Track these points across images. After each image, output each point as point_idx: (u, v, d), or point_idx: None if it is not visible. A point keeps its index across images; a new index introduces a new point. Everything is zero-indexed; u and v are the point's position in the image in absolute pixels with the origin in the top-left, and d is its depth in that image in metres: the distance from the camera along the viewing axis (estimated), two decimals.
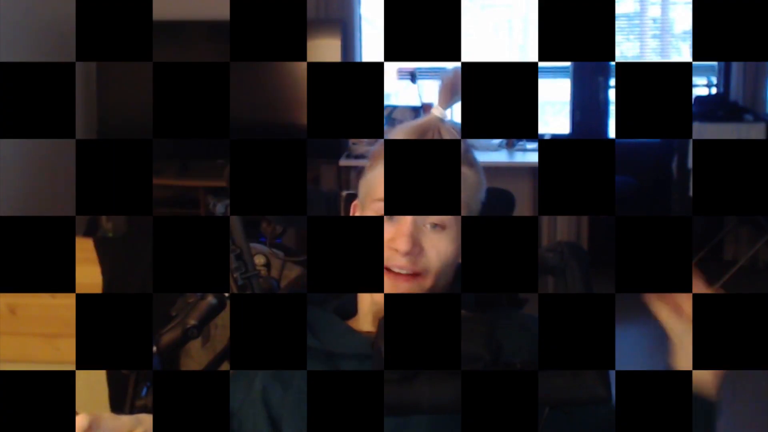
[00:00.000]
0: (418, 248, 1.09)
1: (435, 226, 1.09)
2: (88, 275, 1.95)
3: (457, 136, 1.11)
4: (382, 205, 1.08)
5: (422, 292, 1.09)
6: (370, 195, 1.13)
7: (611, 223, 0.95)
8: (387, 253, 1.08)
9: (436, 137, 1.10)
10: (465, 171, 1.11)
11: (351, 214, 1.20)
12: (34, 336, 2.02)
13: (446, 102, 1.13)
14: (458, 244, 1.10)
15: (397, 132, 1.14)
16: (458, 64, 1.04)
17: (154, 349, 1.17)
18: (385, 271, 1.08)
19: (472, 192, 1.13)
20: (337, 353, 1.12)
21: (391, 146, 1.05)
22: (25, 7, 3.84)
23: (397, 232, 1.08)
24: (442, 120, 1.12)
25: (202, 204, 4.10)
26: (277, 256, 1.39)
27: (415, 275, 1.09)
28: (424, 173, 1.02)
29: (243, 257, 1.23)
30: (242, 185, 1.05)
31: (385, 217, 1.09)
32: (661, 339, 1.03)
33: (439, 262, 1.10)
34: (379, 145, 1.13)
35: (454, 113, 1.12)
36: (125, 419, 0.95)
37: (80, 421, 0.90)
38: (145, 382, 1.21)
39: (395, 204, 1.03)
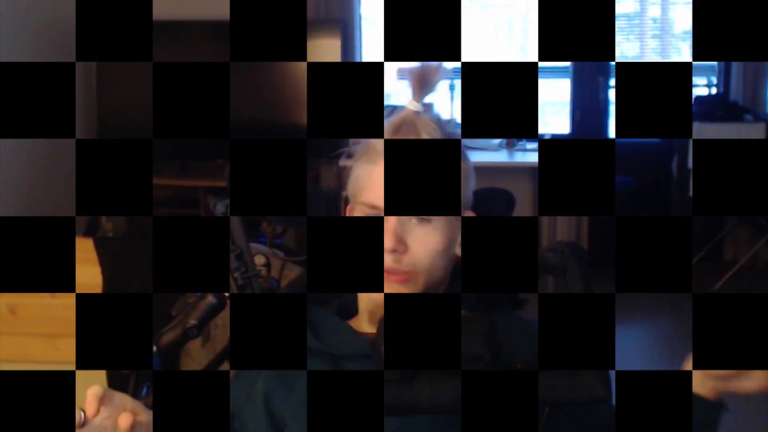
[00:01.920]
0: (403, 246, 1.08)
1: (421, 219, 1.09)
2: (88, 275, 1.94)
3: (436, 129, 1.10)
4: (366, 209, 1.09)
5: (417, 291, 1.09)
6: (356, 198, 1.13)
7: (611, 223, 0.95)
8: None
9: (411, 131, 1.10)
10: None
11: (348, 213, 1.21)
12: (34, 336, 2.02)
13: (419, 94, 1.13)
14: (447, 236, 1.10)
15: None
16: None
17: (154, 349, 1.17)
18: None
19: (469, 180, 1.14)
20: (339, 354, 1.12)
21: (389, 146, 1.05)
22: (25, 7, 3.84)
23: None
24: (417, 113, 1.12)
25: (202, 204, 4.10)
26: (277, 256, 1.39)
27: (404, 275, 1.08)
28: (421, 173, 1.03)
29: (243, 257, 1.23)
30: (242, 185, 1.05)
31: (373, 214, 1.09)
32: (662, 339, 1.03)
33: (428, 258, 1.09)
34: (362, 145, 1.14)
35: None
36: (135, 401, 0.96)
37: (96, 391, 0.91)
38: (145, 382, 1.21)
39: (393, 205, 1.03)
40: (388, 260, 1.07)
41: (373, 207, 1.10)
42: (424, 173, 1.03)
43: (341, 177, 4.24)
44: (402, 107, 1.15)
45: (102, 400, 0.91)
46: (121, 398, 0.94)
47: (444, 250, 1.10)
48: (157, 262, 1.01)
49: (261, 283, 1.28)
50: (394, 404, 0.83)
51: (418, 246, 1.09)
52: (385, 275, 1.07)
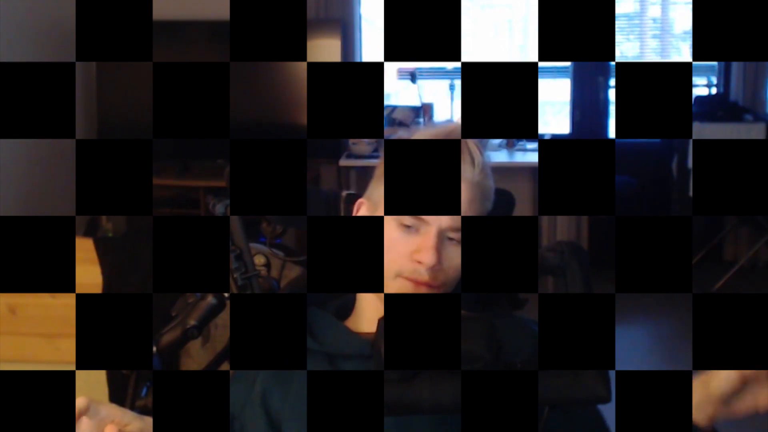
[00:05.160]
0: (440, 264, 1.08)
1: (451, 239, 1.09)
2: (88, 275, 1.94)
3: (480, 146, 1.12)
4: (400, 217, 1.09)
5: None
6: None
7: (611, 223, 0.95)
8: (410, 265, 1.08)
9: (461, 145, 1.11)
10: (486, 182, 1.12)
11: (355, 212, 1.20)
12: (34, 336, 2.02)
13: None
14: None
15: (419, 134, 1.14)
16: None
17: (154, 349, 1.17)
18: (405, 281, 1.08)
19: (490, 201, 1.14)
20: (337, 354, 1.12)
21: (397, 147, 1.05)
22: (25, 7, 3.84)
23: (423, 244, 1.08)
24: None
25: (202, 204, 4.10)
26: (277, 256, 1.39)
27: (431, 288, 1.09)
28: (428, 174, 1.03)
29: (243, 257, 1.23)
30: (242, 185, 1.05)
31: (407, 227, 1.09)
32: (662, 339, 1.03)
33: (454, 277, 1.10)
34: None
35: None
36: (125, 411, 0.95)
37: (79, 402, 0.90)
38: (145, 382, 1.21)
39: (396, 204, 1.03)
40: (426, 275, 1.08)
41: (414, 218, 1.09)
42: (425, 173, 1.03)
43: (341, 177, 4.24)
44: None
45: (85, 412, 0.90)
46: (110, 410, 0.93)
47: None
48: (157, 262, 1.01)
49: (261, 283, 1.28)
50: (394, 404, 0.83)
51: (449, 265, 1.09)
52: (416, 285, 1.08)
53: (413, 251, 1.08)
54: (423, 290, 1.09)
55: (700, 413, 0.95)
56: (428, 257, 1.07)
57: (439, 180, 1.03)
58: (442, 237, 1.08)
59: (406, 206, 1.04)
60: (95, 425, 0.90)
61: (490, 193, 1.14)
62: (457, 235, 1.08)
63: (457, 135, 1.11)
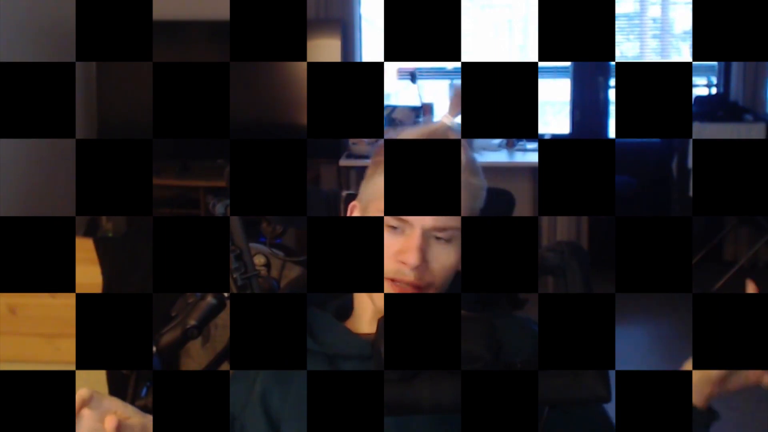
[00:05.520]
0: (425, 264, 1.08)
1: (439, 239, 1.09)
2: (88, 275, 1.94)
3: (466, 147, 1.11)
4: (386, 218, 1.08)
5: None
6: (379, 198, 1.11)
7: (611, 223, 0.96)
8: (395, 265, 1.07)
9: None
10: (472, 180, 1.11)
11: (348, 215, 1.20)
12: (34, 336, 2.02)
13: (457, 110, 1.13)
14: (459, 256, 1.09)
15: (404, 134, 1.13)
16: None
17: (154, 349, 1.17)
18: (390, 282, 1.08)
19: (479, 200, 1.13)
20: (337, 355, 1.12)
21: (391, 146, 1.04)
22: (25, 7, 3.84)
23: (407, 245, 1.07)
24: (450, 128, 1.12)
25: (202, 204, 4.10)
26: (277, 256, 1.38)
27: (418, 289, 1.09)
28: (425, 174, 1.02)
29: (243, 257, 1.23)
30: (242, 185, 1.05)
31: (393, 228, 1.08)
32: (662, 339, 1.03)
33: (443, 276, 1.09)
34: (381, 148, 1.13)
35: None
36: (126, 405, 0.95)
37: (82, 393, 0.90)
38: (145, 382, 1.21)
39: (395, 204, 1.03)
40: (410, 275, 1.07)
41: (398, 219, 1.09)
42: (425, 173, 1.03)
43: (341, 177, 4.24)
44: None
45: (87, 403, 0.90)
46: (111, 402, 0.93)
47: (455, 270, 1.10)
48: (157, 262, 1.01)
49: (261, 283, 1.28)
50: (394, 404, 0.83)
51: (437, 264, 1.09)
52: (401, 288, 1.08)
53: (397, 252, 1.08)
54: (408, 291, 1.08)
55: (698, 394, 1.00)
56: (412, 258, 1.06)
57: (427, 180, 1.02)
58: (426, 237, 1.08)
59: (393, 206, 1.04)
60: (97, 416, 0.91)
61: (479, 192, 1.14)
62: (444, 234, 1.08)
63: (442, 134, 1.10)
